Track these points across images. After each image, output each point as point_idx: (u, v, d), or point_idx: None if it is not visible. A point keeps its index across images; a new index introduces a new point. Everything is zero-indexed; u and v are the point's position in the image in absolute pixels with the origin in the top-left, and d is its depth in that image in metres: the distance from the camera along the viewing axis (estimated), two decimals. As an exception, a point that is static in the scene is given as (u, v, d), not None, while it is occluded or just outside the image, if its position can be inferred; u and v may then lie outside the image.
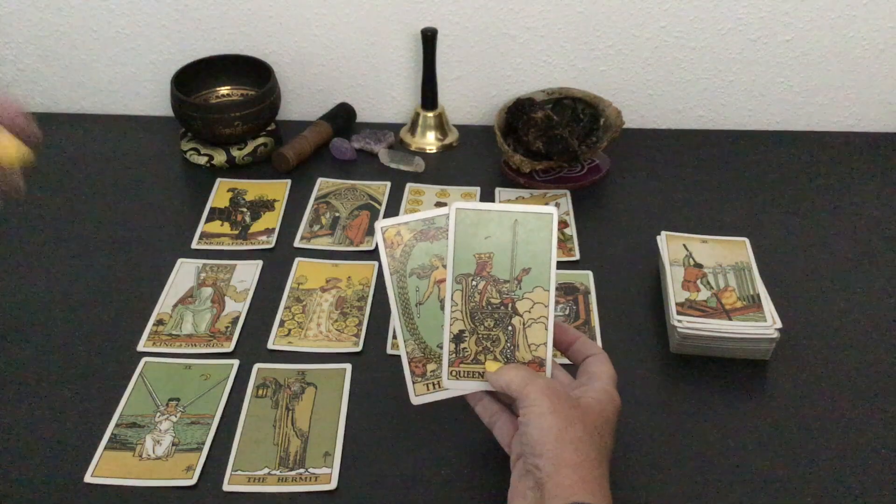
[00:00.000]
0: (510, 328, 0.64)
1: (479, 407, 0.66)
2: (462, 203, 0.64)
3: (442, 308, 0.64)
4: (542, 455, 0.56)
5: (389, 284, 0.64)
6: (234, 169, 1.05)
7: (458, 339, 0.64)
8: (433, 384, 0.65)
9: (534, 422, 0.57)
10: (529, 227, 0.63)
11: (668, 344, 0.80)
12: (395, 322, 0.64)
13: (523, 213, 0.64)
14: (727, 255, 0.84)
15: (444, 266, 0.64)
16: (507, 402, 0.65)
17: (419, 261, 0.64)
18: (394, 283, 0.64)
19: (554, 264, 0.63)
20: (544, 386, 0.58)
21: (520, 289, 0.64)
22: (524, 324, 0.64)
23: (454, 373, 0.64)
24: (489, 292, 0.64)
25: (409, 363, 0.65)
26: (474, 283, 0.64)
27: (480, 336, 0.64)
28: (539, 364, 0.64)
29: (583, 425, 0.57)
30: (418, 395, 0.65)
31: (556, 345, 0.65)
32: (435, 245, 0.64)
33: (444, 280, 0.64)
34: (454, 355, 0.64)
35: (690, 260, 0.84)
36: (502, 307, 0.64)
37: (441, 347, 0.64)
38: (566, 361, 0.67)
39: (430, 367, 0.65)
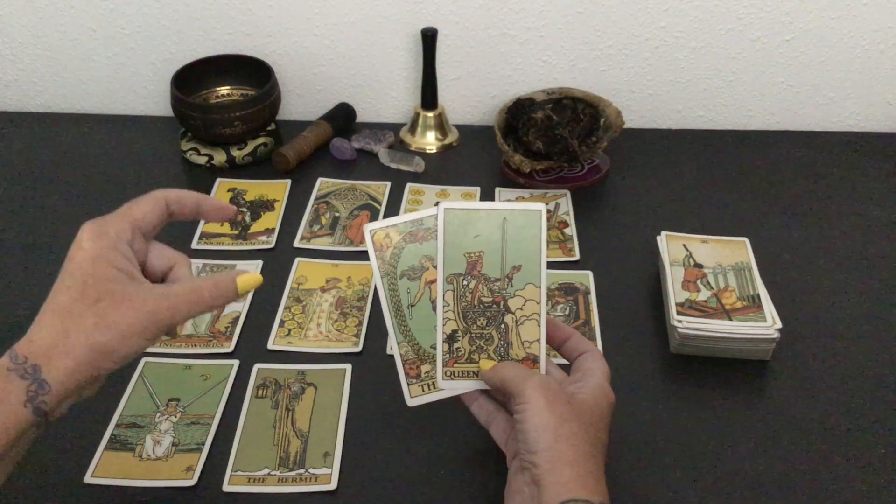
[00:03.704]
0: (503, 326, 0.64)
1: (475, 406, 0.66)
2: (450, 203, 0.63)
3: (434, 309, 0.64)
4: (538, 452, 0.56)
5: (380, 287, 0.64)
6: (234, 169, 1.05)
7: (451, 339, 0.64)
8: (428, 385, 0.65)
9: (529, 419, 0.57)
10: (518, 225, 0.63)
11: (668, 344, 0.80)
12: (388, 324, 0.64)
13: (511, 211, 0.63)
14: (727, 255, 0.84)
15: (435, 267, 0.64)
16: (502, 400, 0.65)
17: (409, 262, 0.64)
18: (385, 285, 0.64)
19: (545, 261, 0.63)
20: (539, 383, 0.58)
21: (511, 286, 0.64)
22: (517, 321, 0.64)
23: (448, 373, 0.64)
24: (480, 291, 0.64)
25: (404, 365, 0.65)
26: (465, 282, 0.64)
27: (473, 335, 0.64)
28: (533, 361, 0.64)
29: (578, 421, 0.57)
30: (414, 397, 0.65)
31: (549, 342, 0.64)
32: (424, 246, 0.64)
33: (434, 281, 0.64)
34: (448, 355, 0.64)
35: (690, 260, 0.84)
36: (494, 305, 0.64)
37: (434, 348, 0.64)
38: (563, 361, 0.67)
39: (425, 368, 0.65)
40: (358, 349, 0.80)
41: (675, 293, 0.80)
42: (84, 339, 0.51)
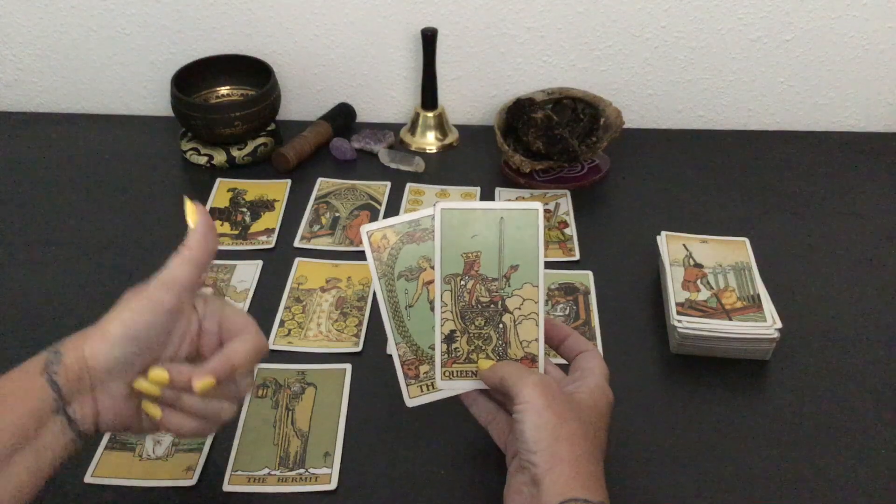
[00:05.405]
0: (501, 326, 0.64)
1: (475, 407, 0.66)
2: (447, 203, 0.63)
3: (432, 309, 0.64)
4: (537, 451, 0.56)
5: (378, 288, 0.64)
6: (234, 169, 1.05)
7: (449, 339, 0.64)
8: (427, 386, 0.65)
9: (528, 418, 0.57)
10: (516, 224, 0.63)
11: (668, 344, 0.80)
12: (386, 325, 0.64)
13: (508, 210, 0.63)
14: (727, 255, 0.84)
15: (432, 267, 0.64)
16: (501, 400, 0.65)
17: (407, 263, 0.64)
18: (382, 286, 0.64)
19: (542, 260, 0.63)
20: (538, 382, 0.58)
21: (509, 286, 0.64)
22: (515, 321, 0.64)
23: (447, 373, 0.64)
24: (478, 291, 0.64)
25: (402, 366, 0.65)
26: (463, 282, 0.64)
27: (472, 335, 0.64)
28: (531, 360, 0.64)
29: (577, 421, 0.57)
30: (413, 398, 0.65)
31: (547, 341, 0.64)
32: (422, 246, 0.64)
33: (432, 281, 0.64)
34: (446, 356, 0.64)
35: (690, 260, 0.84)
36: (492, 305, 0.64)
37: (433, 349, 0.64)
38: (562, 361, 0.67)
39: (423, 368, 0.65)
40: (358, 349, 0.80)
41: (675, 293, 0.80)
42: (98, 328, 0.56)
